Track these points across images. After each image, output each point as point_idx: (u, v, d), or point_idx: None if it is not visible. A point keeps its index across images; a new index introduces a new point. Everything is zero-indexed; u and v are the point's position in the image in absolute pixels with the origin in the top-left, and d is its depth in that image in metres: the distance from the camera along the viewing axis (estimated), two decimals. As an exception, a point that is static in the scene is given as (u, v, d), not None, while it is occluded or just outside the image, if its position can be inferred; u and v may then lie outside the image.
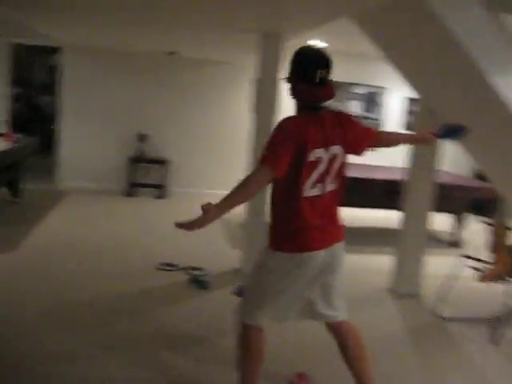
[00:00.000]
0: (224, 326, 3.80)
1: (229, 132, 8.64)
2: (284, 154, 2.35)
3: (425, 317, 4.43)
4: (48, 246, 5.45)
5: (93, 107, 8.46)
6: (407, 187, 4.77)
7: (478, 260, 4.38)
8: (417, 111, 4.98)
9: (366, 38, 4.11)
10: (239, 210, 5.23)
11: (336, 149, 2.50)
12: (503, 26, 3.25)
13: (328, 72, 2.47)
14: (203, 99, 8.70)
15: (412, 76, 4.23)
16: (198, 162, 8.74)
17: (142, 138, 8.36)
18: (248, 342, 2.67)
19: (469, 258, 4.42)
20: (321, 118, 2.48)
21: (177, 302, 4.29)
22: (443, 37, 3.17)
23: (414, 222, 4.76)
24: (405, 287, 4.82)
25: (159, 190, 8.41)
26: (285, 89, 2.64)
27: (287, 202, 2.50)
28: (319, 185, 2.49)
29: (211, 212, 2.29)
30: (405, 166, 4.86)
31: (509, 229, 4.28)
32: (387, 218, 6.71)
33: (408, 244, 4.80)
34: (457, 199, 6.49)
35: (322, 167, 2.46)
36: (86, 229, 6.23)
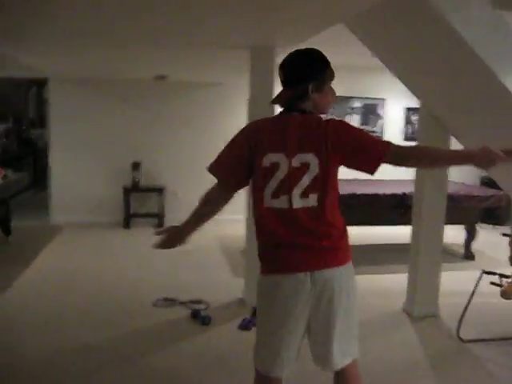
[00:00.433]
0: (230, 366, 3.50)
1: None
2: (227, 159, 2.25)
3: (445, 339, 4.10)
4: (40, 285, 5.14)
5: (83, 138, 8.19)
6: (418, 200, 4.48)
7: (500, 275, 4.08)
8: (417, 120, 4.68)
9: (363, 46, 3.88)
10: (240, 235, 5.03)
11: (307, 157, 2.09)
12: (509, 24, 3.04)
13: (288, 72, 2.21)
14: (196, 122, 8.44)
15: (413, 82, 3.99)
16: (195, 187, 8.41)
17: (135, 166, 8.07)
18: None
19: (489, 273, 4.11)
20: (287, 120, 2.17)
21: (177, 342, 3.95)
22: (448, 38, 2.95)
23: (428, 236, 4.44)
24: (422, 308, 4.49)
25: (157, 219, 8.12)
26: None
27: (255, 213, 2.24)
28: (284, 197, 2.12)
29: (177, 228, 2.40)
30: (413, 178, 4.57)
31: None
32: (397, 234, 6.43)
33: (422, 261, 4.47)
34: (468, 209, 6.20)
35: (280, 174, 2.12)
36: (80, 265, 5.92)
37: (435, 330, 4.29)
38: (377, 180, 7.10)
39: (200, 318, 4.29)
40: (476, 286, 4.09)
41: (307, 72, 2.17)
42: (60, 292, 4.98)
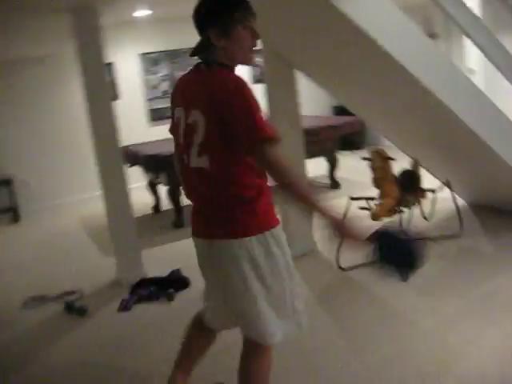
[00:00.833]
0: (117, 352, 3.27)
1: (70, 130, 7.72)
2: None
3: (327, 272, 4.16)
4: None
5: None
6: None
7: (366, 198, 4.15)
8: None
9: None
10: (101, 212, 4.68)
11: (195, 115, 1.92)
12: None
13: (194, 20, 1.98)
14: (32, 103, 7.72)
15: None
16: (46, 172, 7.82)
17: (-26, 160, 7.29)
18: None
19: (356, 199, 4.17)
20: (192, 73, 2.03)
21: (54, 342, 3.60)
22: None
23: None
24: (298, 246, 4.49)
25: (10, 213, 7.43)
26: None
27: None
28: (185, 155, 2.02)
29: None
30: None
31: (388, 158, 4.06)
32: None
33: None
34: (325, 140, 6.30)
35: (181, 130, 2.03)
36: None
37: (316, 265, 4.33)
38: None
39: (75, 309, 3.96)
40: (346, 212, 4.13)
41: (206, 16, 1.93)
42: None
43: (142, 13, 6.51)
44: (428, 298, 3.54)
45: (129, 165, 5.67)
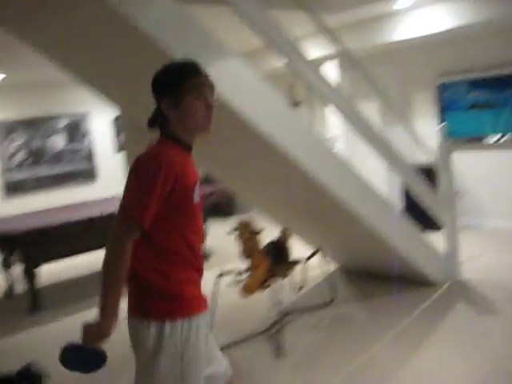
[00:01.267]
0: None
1: None
2: None
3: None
4: None
5: None
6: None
7: (234, 273, 3.97)
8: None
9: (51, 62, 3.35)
10: None
11: None
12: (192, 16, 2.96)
13: (152, 88, 1.93)
14: None
15: (110, 90, 3.61)
16: None
17: None
18: None
19: (225, 273, 3.97)
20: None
21: None
22: (132, 34, 2.68)
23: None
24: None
25: None
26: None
27: None
28: None
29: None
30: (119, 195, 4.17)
31: (255, 233, 3.91)
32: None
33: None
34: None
35: None
36: None
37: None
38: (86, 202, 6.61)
39: None
40: (216, 290, 3.90)
41: (157, 87, 1.90)
42: None
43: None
44: (305, 372, 3.38)
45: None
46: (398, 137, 6.71)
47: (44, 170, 8.00)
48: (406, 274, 4.65)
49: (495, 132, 6.43)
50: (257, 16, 3.29)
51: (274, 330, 3.97)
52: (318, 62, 6.52)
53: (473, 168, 6.61)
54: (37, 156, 7.91)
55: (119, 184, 4.06)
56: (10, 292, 5.89)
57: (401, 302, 4.38)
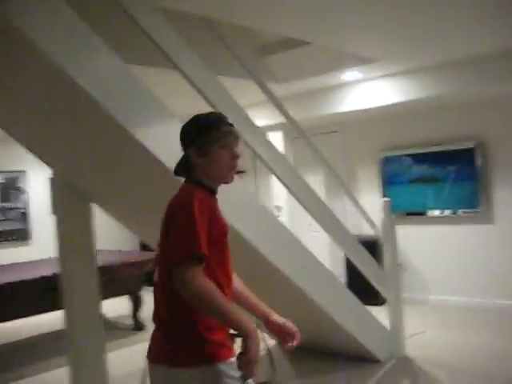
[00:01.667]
0: None
1: None
2: None
3: None
4: None
5: None
6: (66, 280, 3.80)
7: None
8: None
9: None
10: None
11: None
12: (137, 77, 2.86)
13: (180, 137, 2.04)
14: None
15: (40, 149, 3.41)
16: None
17: None
18: None
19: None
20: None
21: None
22: (70, 91, 2.55)
23: (84, 318, 3.79)
24: None
25: None
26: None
27: None
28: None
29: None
30: (57, 255, 3.89)
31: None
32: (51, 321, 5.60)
33: (83, 348, 3.80)
34: (128, 278, 5.79)
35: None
36: None
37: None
38: (19, 263, 6.22)
39: None
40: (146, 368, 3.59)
41: (185, 135, 2.01)
42: None
43: None
44: None
45: None
46: (342, 209, 6.74)
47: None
48: (351, 350, 4.49)
49: (437, 207, 6.51)
50: (203, 80, 3.22)
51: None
52: (266, 131, 6.52)
53: (416, 242, 6.63)
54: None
55: (54, 246, 3.83)
56: None
57: (345, 380, 4.21)
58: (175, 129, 2.78)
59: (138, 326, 6.06)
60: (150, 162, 2.88)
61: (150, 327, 2.02)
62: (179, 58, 3.07)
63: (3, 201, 7.79)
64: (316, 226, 4.23)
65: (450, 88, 5.54)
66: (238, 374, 1.80)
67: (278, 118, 4.77)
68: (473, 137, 6.25)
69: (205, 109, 2.25)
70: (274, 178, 4.37)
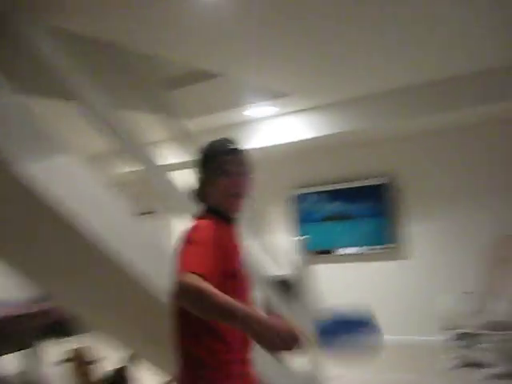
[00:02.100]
0: None
1: None
2: None
3: None
4: None
5: None
6: None
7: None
8: None
9: None
10: None
11: None
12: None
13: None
14: None
15: None
16: None
17: None
18: None
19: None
20: None
21: None
22: None
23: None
24: None
25: None
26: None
27: None
28: None
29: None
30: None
31: (88, 362, 3.28)
32: None
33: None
34: (21, 332, 5.23)
35: None
36: None
37: None
38: None
39: None
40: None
41: (196, 164, 2.06)
42: None
43: None
44: None
45: None
46: (254, 249, 6.53)
47: None
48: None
49: (349, 244, 6.46)
50: (98, 116, 2.94)
51: None
52: (174, 169, 6.23)
53: (327, 280, 6.53)
54: None
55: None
56: None
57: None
58: (69, 168, 2.49)
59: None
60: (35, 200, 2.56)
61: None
62: (74, 88, 2.79)
63: None
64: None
65: (362, 123, 5.57)
66: None
67: (188, 156, 4.56)
68: (384, 173, 6.31)
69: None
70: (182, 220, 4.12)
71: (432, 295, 5.75)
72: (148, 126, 4.35)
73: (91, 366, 3.29)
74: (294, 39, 3.76)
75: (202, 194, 2.03)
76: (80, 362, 3.24)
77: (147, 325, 3.69)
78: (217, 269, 1.76)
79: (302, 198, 6.72)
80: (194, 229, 1.88)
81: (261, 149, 6.26)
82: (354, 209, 6.46)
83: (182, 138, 3.84)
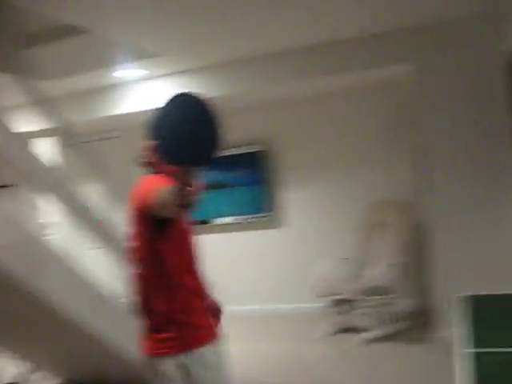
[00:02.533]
0: None
1: None
2: None
3: None
4: None
5: None
6: None
7: None
8: None
9: None
10: None
11: None
12: None
13: None
14: None
15: None
16: None
17: None
18: None
19: None
20: None
21: None
22: None
23: None
24: None
25: None
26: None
27: None
28: None
29: None
30: None
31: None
32: None
33: None
34: None
35: None
36: None
37: None
38: None
39: None
40: None
41: None
42: None
43: None
44: None
45: None
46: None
47: None
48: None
49: (226, 213, 6.29)
50: None
51: None
52: (32, 137, 5.60)
53: (211, 251, 6.30)
54: None
55: None
56: None
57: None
58: None
59: None
60: None
61: None
62: None
63: None
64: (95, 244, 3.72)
65: (237, 87, 5.32)
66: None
67: (51, 122, 4.06)
68: (260, 140, 6.16)
69: None
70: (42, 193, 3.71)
71: (309, 263, 5.77)
72: (1, 88, 3.80)
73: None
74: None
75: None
76: None
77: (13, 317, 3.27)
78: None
79: (179, 167, 6.40)
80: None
81: (133, 114, 5.80)
82: (231, 177, 6.28)
83: (41, 102, 3.38)
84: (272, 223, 6.30)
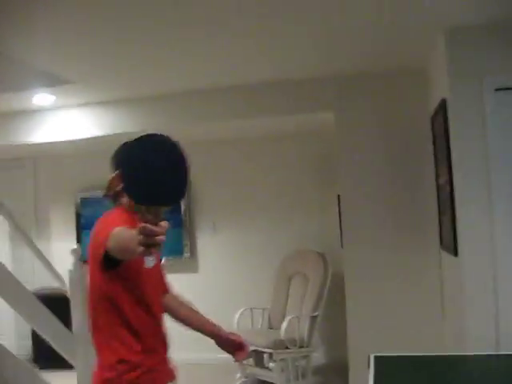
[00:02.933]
0: None
1: None
2: None
3: None
4: None
5: None
6: None
7: None
8: None
9: None
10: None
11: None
12: None
13: None
14: None
15: None
16: None
17: None
18: None
19: None
20: None
21: None
22: None
23: None
24: None
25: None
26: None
27: None
28: None
29: None
30: None
31: None
32: None
33: None
34: None
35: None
36: None
37: None
38: None
39: None
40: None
41: None
42: None
43: None
44: None
45: None
46: (31, 259, 5.67)
47: None
48: None
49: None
50: None
51: None
52: None
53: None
54: None
55: None
56: None
57: None
58: None
59: None
60: None
61: None
62: None
63: None
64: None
65: (153, 125, 5.01)
66: None
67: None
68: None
69: None
70: None
71: (223, 311, 5.48)
72: None
73: None
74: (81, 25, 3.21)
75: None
76: None
77: None
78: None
79: (87, 202, 6.05)
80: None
81: (41, 145, 5.40)
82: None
83: None
84: (191, 267, 6.06)
